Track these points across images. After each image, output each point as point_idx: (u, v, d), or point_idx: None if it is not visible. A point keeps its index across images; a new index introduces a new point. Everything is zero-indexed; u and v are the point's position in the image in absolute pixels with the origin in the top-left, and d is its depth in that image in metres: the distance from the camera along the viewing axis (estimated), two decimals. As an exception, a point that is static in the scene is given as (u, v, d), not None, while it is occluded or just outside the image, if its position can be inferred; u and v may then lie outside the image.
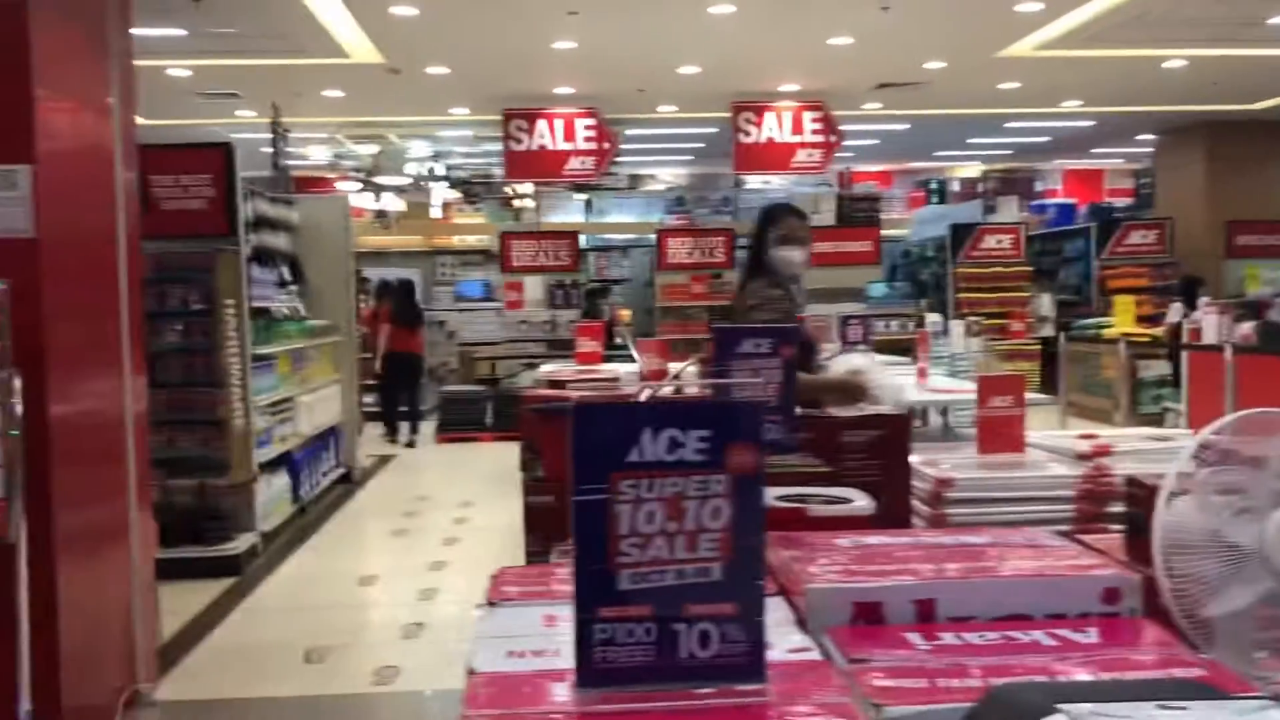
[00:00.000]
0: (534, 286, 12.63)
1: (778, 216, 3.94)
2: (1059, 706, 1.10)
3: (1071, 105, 13.56)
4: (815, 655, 1.48)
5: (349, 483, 8.82)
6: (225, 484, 6.24)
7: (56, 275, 3.70)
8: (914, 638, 1.52)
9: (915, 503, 3.39)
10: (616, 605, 1.36)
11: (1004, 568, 1.67)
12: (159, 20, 8.34)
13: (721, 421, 1.38)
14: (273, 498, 6.87)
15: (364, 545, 7.28)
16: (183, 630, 5.12)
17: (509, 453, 10.03)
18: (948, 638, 1.52)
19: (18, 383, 3.44)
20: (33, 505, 3.56)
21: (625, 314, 17.67)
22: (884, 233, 14.57)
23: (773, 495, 2.61)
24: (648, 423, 1.37)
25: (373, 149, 15.43)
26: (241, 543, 6.25)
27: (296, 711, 4.18)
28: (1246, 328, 8.93)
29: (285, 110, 9.54)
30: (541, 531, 4.27)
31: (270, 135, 8.53)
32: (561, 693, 1.36)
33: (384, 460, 10.19)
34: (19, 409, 3.44)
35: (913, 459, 3.51)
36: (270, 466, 6.91)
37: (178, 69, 10.45)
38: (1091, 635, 1.53)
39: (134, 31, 4.33)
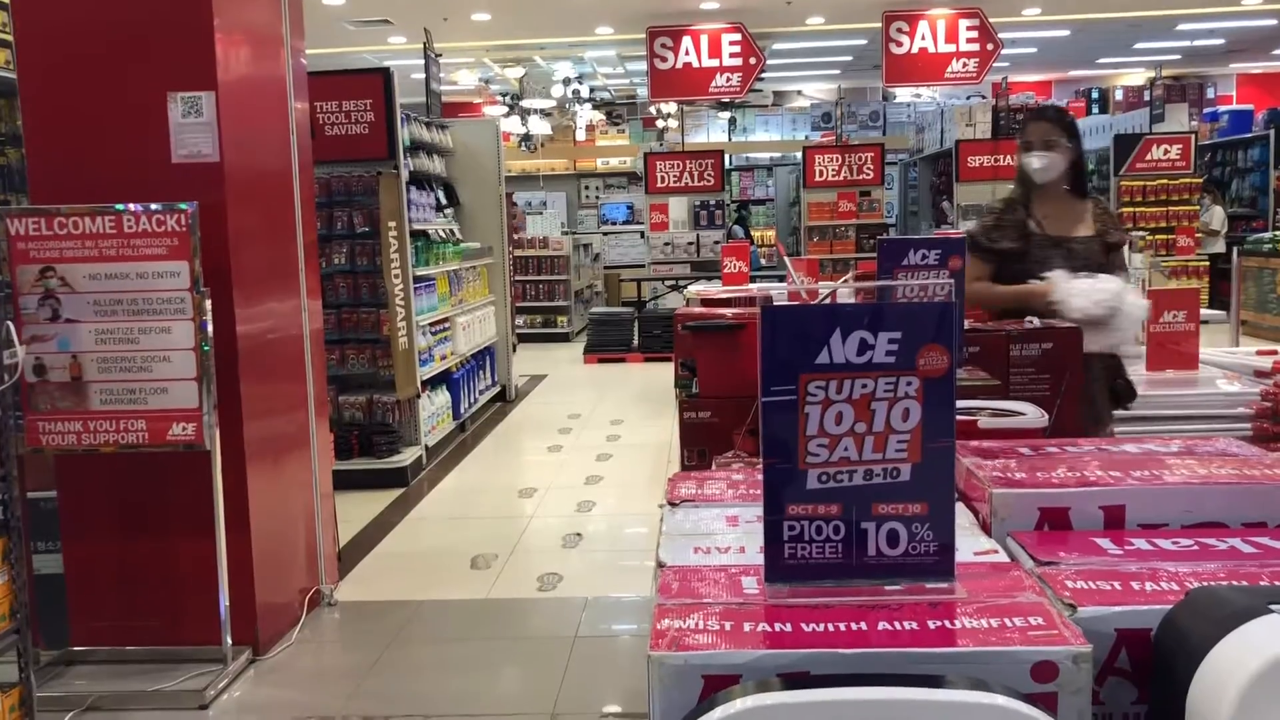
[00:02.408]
0: (678, 207, 12.59)
1: (1025, 123, 3.68)
2: (1272, 606, 1.09)
3: (1252, 3, 12.64)
4: (1002, 558, 1.49)
5: (504, 401, 9.08)
6: (392, 400, 6.50)
7: (239, 198, 3.89)
8: (1104, 543, 1.51)
9: (1083, 420, 3.30)
10: (805, 503, 1.39)
11: (1196, 475, 1.64)
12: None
13: (912, 323, 1.38)
14: (435, 414, 7.12)
15: (521, 460, 7.50)
16: (357, 537, 5.40)
17: (656, 373, 10.19)
18: (1139, 543, 1.50)
19: (208, 301, 3.65)
20: (224, 416, 3.80)
21: (770, 234, 17.51)
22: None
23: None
24: (837, 325, 1.38)
25: (519, 72, 15.53)
26: (408, 456, 6.52)
27: (466, 613, 4.38)
28: None
29: (435, 36, 9.66)
30: (697, 446, 4.34)
31: (422, 60, 8.65)
32: (751, 585, 1.40)
33: (536, 379, 10.43)
34: (210, 326, 3.66)
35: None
36: (432, 384, 7.16)
37: (333, -2, 10.71)
38: (1293, 543, 1.48)
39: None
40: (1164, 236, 12.67)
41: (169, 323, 3.63)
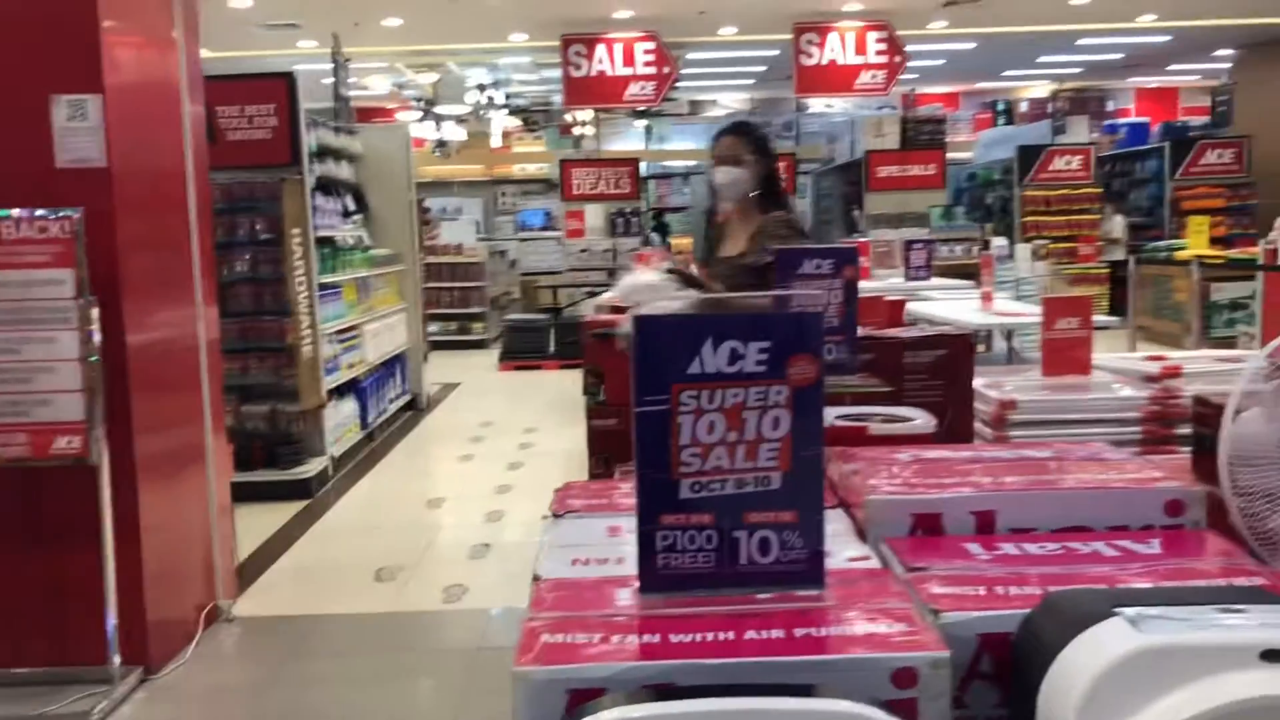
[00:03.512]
0: (595, 215, 12.60)
1: (716, 137, 3.60)
2: (1116, 610, 1.11)
3: (1147, 20, 13.08)
4: (874, 564, 1.50)
5: (415, 409, 8.98)
6: (296, 410, 6.39)
7: (128, 204, 3.79)
8: (973, 548, 1.53)
9: (978, 425, 3.38)
10: (678, 513, 1.39)
11: (1065, 480, 1.67)
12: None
13: (782, 333, 1.39)
14: (341, 423, 7.02)
15: (431, 470, 7.43)
16: (258, 550, 5.30)
17: (571, 380, 10.16)
18: (1007, 548, 1.53)
19: (95, 310, 3.55)
20: (113, 429, 3.69)
21: (687, 242, 17.61)
22: (949, 156, 14.28)
23: (834, 414, 2.63)
24: (709, 334, 1.38)
25: (432, 78, 15.41)
26: (312, 467, 6.41)
27: (368, 627, 4.32)
28: (1327, 248, 8.64)
29: (345, 40, 9.55)
30: (605, 454, 4.33)
31: (331, 65, 8.55)
32: (625, 597, 1.39)
33: (449, 387, 10.34)
34: (97, 336, 3.55)
35: (976, 382, 3.49)
36: (339, 393, 7.05)
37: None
38: (1154, 546, 1.53)
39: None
40: (1066, 245, 13.02)
41: (53, 333, 3.52)
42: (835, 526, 1.64)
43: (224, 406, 4.77)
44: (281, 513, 5.94)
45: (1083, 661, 1.07)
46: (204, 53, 8.01)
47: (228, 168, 6.20)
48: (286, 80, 6.47)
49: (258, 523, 5.66)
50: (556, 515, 1.81)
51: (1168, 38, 14.60)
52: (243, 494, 5.67)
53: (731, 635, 1.26)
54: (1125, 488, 1.63)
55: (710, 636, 1.26)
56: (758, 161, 3.51)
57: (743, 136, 3.52)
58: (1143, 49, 15.58)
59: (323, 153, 7.42)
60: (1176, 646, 1.03)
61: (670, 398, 1.38)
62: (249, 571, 4.95)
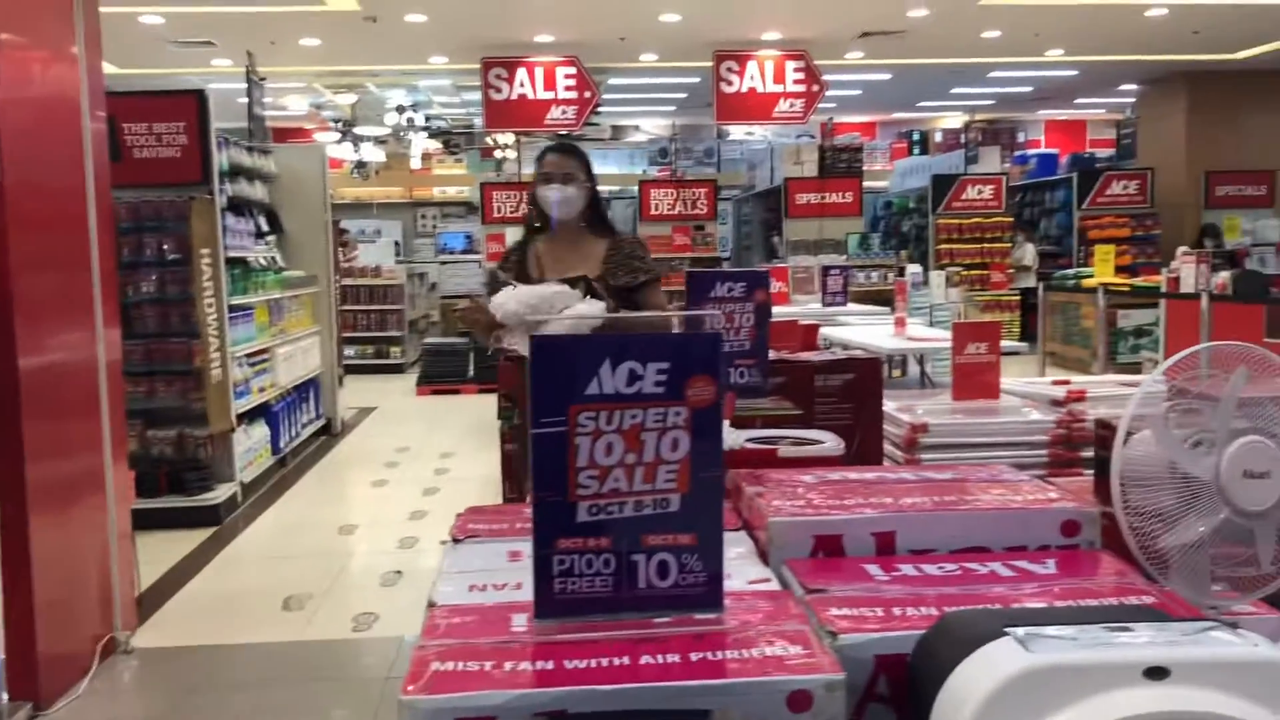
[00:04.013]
0: (516, 238, 12.54)
1: (542, 155, 3.51)
2: (1007, 630, 1.12)
3: (1055, 54, 13.48)
4: (774, 586, 1.50)
5: (329, 434, 8.81)
6: (204, 434, 6.21)
7: (22, 224, 3.65)
8: (873, 569, 1.53)
9: (890, 448, 3.41)
10: (575, 537, 1.37)
11: (964, 502, 1.69)
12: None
13: (680, 354, 1.38)
14: (252, 448, 6.85)
15: (344, 495, 7.28)
16: (161, 579, 5.12)
17: (490, 404, 10.06)
18: (906, 569, 1.53)
19: (-14, 330, 3.42)
20: (3, 454, 3.55)
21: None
22: (866, 184, 14.51)
23: (744, 437, 2.63)
24: (606, 355, 1.36)
25: (351, 98, 15.25)
26: (221, 493, 6.24)
27: (273, 657, 4.19)
28: (1223, 276, 8.95)
29: (262, 59, 9.38)
30: (519, 478, 4.27)
31: (245, 84, 8.40)
32: (520, 623, 1.37)
33: (365, 412, 10.17)
34: (-12, 357, 3.42)
35: (887, 405, 3.53)
36: (249, 417, 6.89)
37: (150, 15, 10.27)
38: (1049, 566, 1.55)
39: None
40: (979, 272, 13.30)
41: (-60, 354, 3.38)
42: (738, 549, 1.64)
43: (126, 431, 4.62)
44: (188, 540, 5.76)
45: (973, 681, 1.07)
46: (113, 69, 7.83)
47: (135, 186, 6.04)
48: (197, 97, 6.33)
49: (162, 551, 5.48)
50: (456, 540, 1.78)
51: (1074, 72, 15.05)
52: (147, 521, 5.50)
53: (627, 661, 1.24)
54: (1022, 509, 1.65)
55: (605, 662, 1.24)
56: (587, 182, 3.47)
57: (574, 156, 3.46)
58: (1051, 82, 16.03)
59: (235, 172, 7.27)
60: (1064, 665, 1.04)
61: (567, 419, 1.36)
62: (151, 601, 4.78)
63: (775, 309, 7.81)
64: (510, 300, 3.30)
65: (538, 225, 3.52)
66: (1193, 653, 1.06)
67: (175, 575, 5.23)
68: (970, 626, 1.18)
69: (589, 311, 3.29)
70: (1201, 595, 1.59)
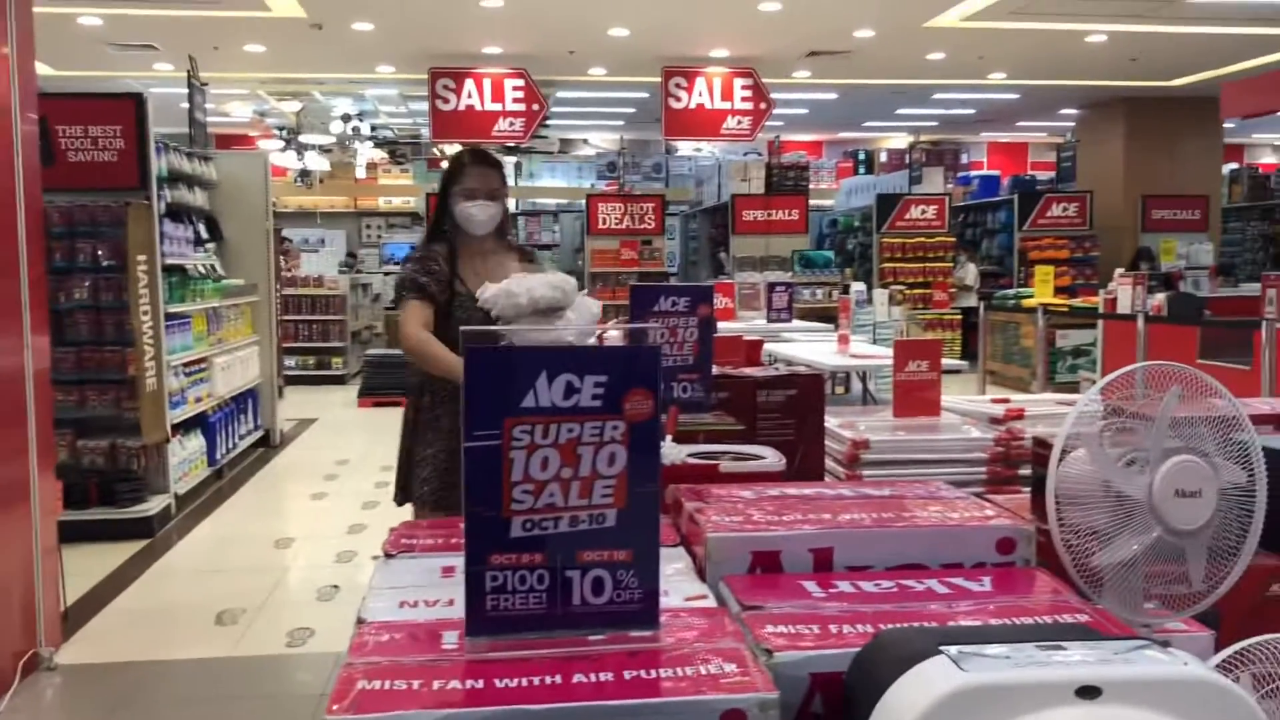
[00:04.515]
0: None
1: (462, 166, 3.39)
2: (942, 648, 1.11)
3: (997, 78, 13.72)
4: (711, 603, 1.48)
5: (268, 446, 8.67)
6: (137, 445, 6.07)
7: (-51, 224, 3.55)
8: (810, 586, 1.52)
9: (831, 464, 3.42)
10: (509, 553, 1.34)
11: (901, 519, 1.69)
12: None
13: (618, 367, 1.36)
14: (187, 460, 6.71)
15: (282, 508, 7.15)
16: (90, 593, 4.99)
17: (433, 417, 9.96)
18: (843, 586, 1.52)
19: (-93, 335, 3.31)
20: (-75, 463, 3.44)
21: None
22: (813, 202, 14.65)
23: (686, 452, 2.62)
24: (543, 368, 1.34)
25: (295, 106, 15.08)
26: (154, 505, 6.10)
27: (205, 673, 4.10)
28: (1159, 299, 9.15)
29: (205, 64, 9.25)
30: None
31: (187, 89, 8.26)
32: (451, 641, 1.33)
33: (305, 423, 10.03)
34: (-91, 362, 3.31)
35: (829, 421, 3.54)
36: (185, 428, 6.76)
37: (89, 16, 10.08)
38: (985, 584, 1.55)
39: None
40: (922, 290, 13.47)
41: None
42: (676, 565, 1.62)
43: (54, 441, 4.50)
44: (118, 553, 5.63)
45: (907, 700, 1.06)
46: (49, 70, 7.68)
47: (70, 190, 5.92)
48: (135, 101, 6.21)
49: (91, 564, 5.35)
50: (388, 555, 1.74)
51: (1016, 96, 15.33)
52: (77, 533, 5.38)
53: (559, 679, 1.21)
54: (959, 526, 1.65)
55: (536, 681, 1.21)
56: (505, 194, 3.43)
57: (498, 170, 3.40)
58: (993, 105, 16.32)
59: (174, 178, 7.15)
60: (997, 685, 1.03)
61: (502, 432, 1.33)
62: (77, 616, 4.66)
63: (721, 324, 7.86)
64: (525, 291, 3.15)
65: (444, 233, 3.43)
66: (1124, 671, 1.06)
67: (104, 589, 5.10)
68: (905, 644, 1.17)
69: (596, 310, 3.25)
70: (1134, 613, 1.60)
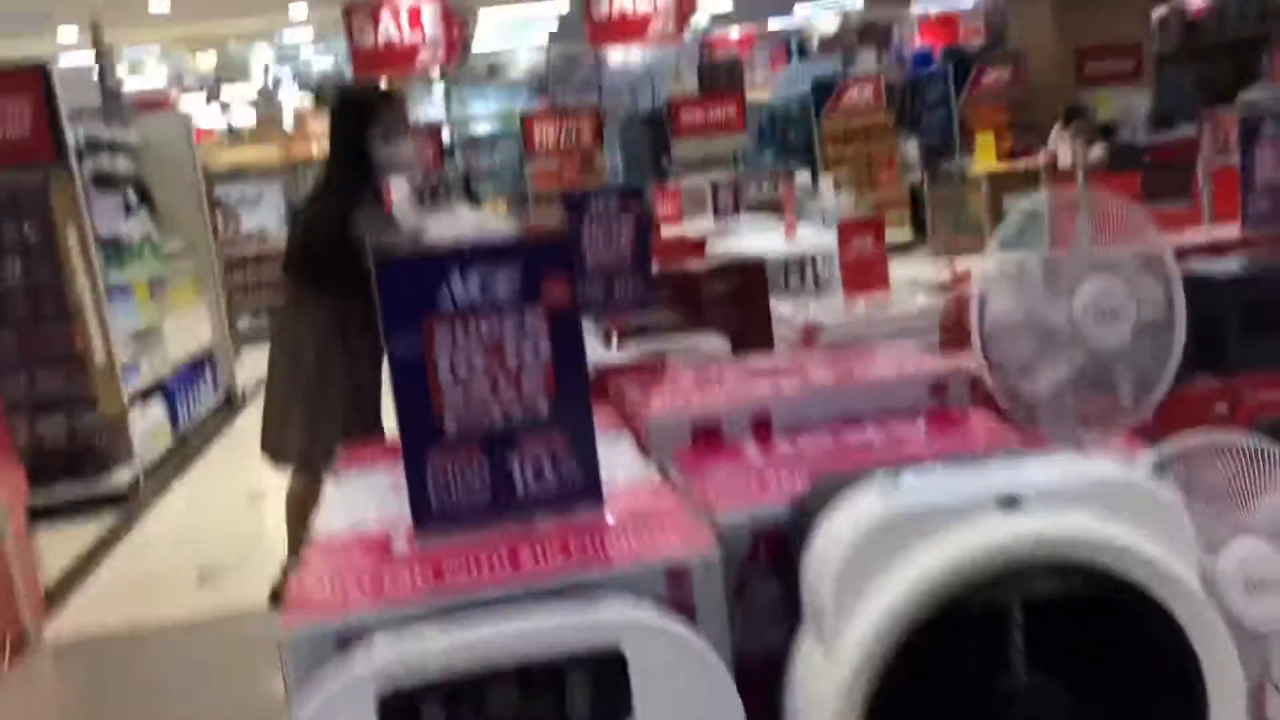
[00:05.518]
0: (402, 188, 12.28)
1: (383, 105, 3.51)
2: (873, 478, 1.14)
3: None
4: (655, 477, 1.51)
5: (231, 406, 8.61)
6: (96, 419, 6.02)
7: None
8: (750, 450, 1.55)
9: (786, 349, 3.44)
10: (446, 450, 1.35)
11: (835, 377, 1.71)
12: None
13: (531, 258, 1.36)
14: (150, 428, 6.65)
15: (251, 466, 7.03)
16: (69, 570, 4.97)
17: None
18: (783, 446, 1.55)
19: None
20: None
21: (501, 205, 17.40)
22: (750, 97, 14.50)
23: (630, 347, 2.63)
24: (454, 266, 1.34)
25: (211, 60, 14.68)
26: (123, 476, 6.06)
27: (190, 634, 4.12)
28: (1098, 150, 9.18)
29: (112, 27, 8.97)
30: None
31: (95, 55, 8.04)
32: (401, 547, 1.35)
33: (267, 380, 9.95)
34: None
35: (782, 309, 3.57)
36: (144, 397, 6.69)
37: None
38: (919, 426, 1.58)
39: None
40: (869, 172, 13.48)
41: None
42: (620, 447, 1.64)
43: (7, 429, 4.46)
44: (93, 528, 5.60)
45: (836, 533, 1.08)
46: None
47: (-15, 169, 5.76)
48: (39, 73, 6.01)
49: (67, 541, 5.32)
50: (339, 475, 1.76)
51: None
52: (47, 513, 5.36)
53: (508, 562, 1.24)
54: (890, 376, 1.68)
55: (485, 566, 1.23)
56: None
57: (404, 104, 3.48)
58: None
59: (94, 147, 6.96)
60: (920, 505, 1.06)
61: (424, 334, 1.34)
62: (59, 593, 4.65)
63: (668, 229, 7.81)
64: (454, 228, 3.21)
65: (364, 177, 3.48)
66: (1041, 478, 1.09)
67: (82, 564, 5.09)
68: (840, 484, 1.19)
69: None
70: (1070, 436, 1.64)
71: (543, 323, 1.36)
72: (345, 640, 1.13)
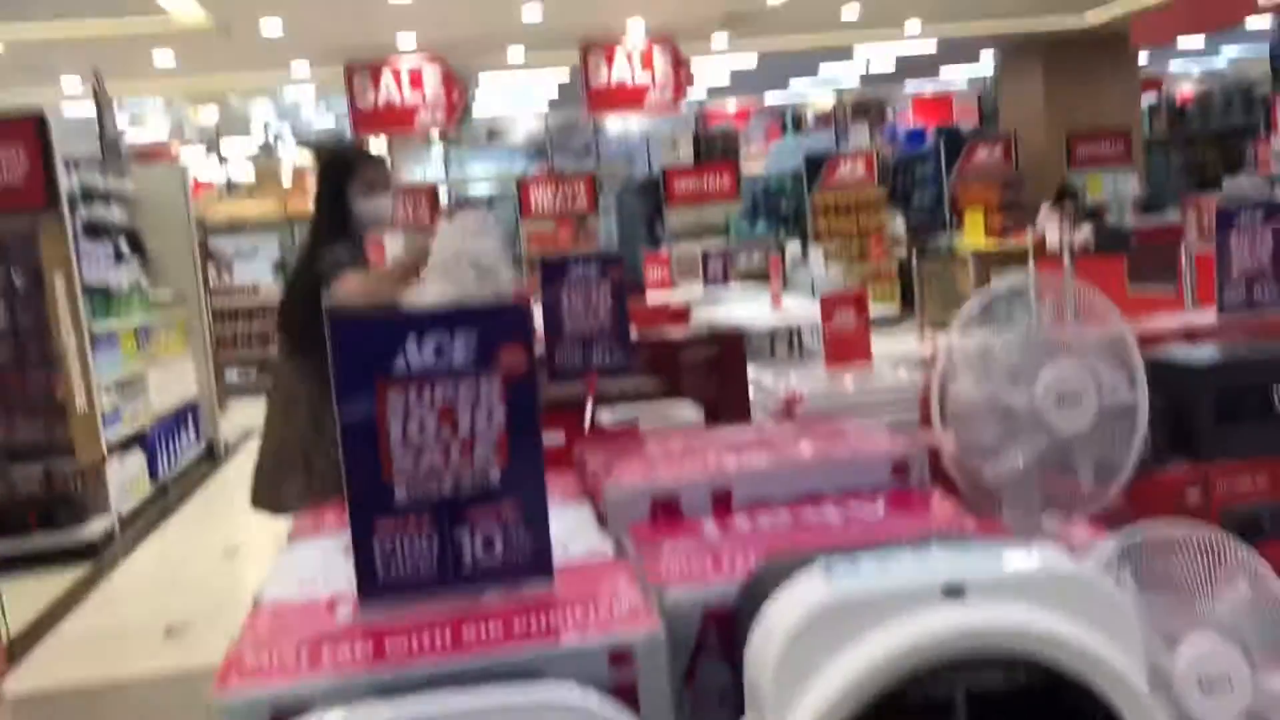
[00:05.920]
0: (397, 246, 12.32)
1: (364, 162, 3.61)
2: (817, 562, 1.12)
3: (914, 27, 13.76)
4: (609, 551, 1.49)
5: (213, 458, 8.55)
6: (74, 468, 5.96)
7: None
8: (707, 526, 1.53)
9: (765, 417, 3.42)
10: (395, 517, 1.33)
11: (798, 453, 1.70)
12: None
13: (487, 324, 1.35)
14: (128, 479, 6.59)
15: (229, 521, 7.04)
16: (35, 621, 4.89)
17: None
18: (741, 522, 1.53)
19: None
20: None
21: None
22: (745, 167, 14.65)
23: (605, 414, 2.62)
24: (411, 330, 1.33)
25: (213, 114, 14.82)
26: (97, 526, 5.99)
27: (152, 690, 4.04)
28: (1085, 231, 9.27)
29: (116, 79, 9.03)
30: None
31: (95, 106, 8.09)
32: (345, 614, 1.33)
33: (252, 433, 9.89)
34: None
35: (763, 377, 3.56)
36: (124, 447, 6.64)
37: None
38: (878, 506, 1.56)
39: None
40: (859, 245, 13.59)
41: None
42: (578, 517, 1.62)
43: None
44: (62, 579, 5.52)
45: (780, 618, 1.07)
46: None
47: (-23, 215, 5.78)
48: (36, 121, 6.05)
49: (35, 592, 5.24)
50: (291, 540, 1.73)
51: (933, 40, 15.39)
52: (18, 562, 5.29)
53: (449, 637, 1.22)
54: (852, 455, 1.67)
55: (428, 640, 1.21)
56: None
57: (384, 162, 3.56)
58: (913, 60, 16.37)
59: (90, 196, 7.00)
60: (865, 592, 1.04)
61: (377, 398, 1.32)
62: (23, 645, 4.57)
63: (657, 295, 7.84)
64: (454, 236, 3.16)
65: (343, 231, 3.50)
66: (987, 569, 1.08)
67: (49, 615, 5.01)
68: (787, 568, 1.18)
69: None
70: (1032, 522, 1.63)
71: (498, 389, 1.34)
72: (279, 712, 1.10)
